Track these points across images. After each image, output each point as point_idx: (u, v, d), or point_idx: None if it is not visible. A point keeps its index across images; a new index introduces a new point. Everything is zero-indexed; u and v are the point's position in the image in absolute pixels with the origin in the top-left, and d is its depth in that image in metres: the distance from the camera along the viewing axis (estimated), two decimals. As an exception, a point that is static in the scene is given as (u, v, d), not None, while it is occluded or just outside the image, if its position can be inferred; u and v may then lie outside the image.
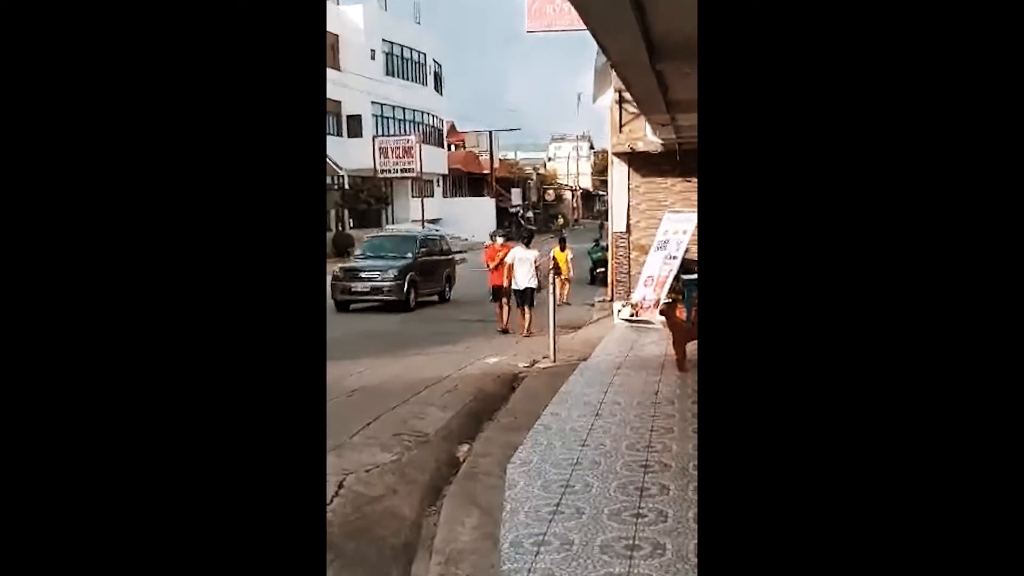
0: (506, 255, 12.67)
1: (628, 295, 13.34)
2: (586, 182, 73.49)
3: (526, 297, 12.13)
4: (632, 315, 12.37)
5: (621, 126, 13.48)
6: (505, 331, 12.28)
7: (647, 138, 13.09)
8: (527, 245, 13.21)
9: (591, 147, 75.27)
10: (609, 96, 13.53)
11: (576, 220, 64.87)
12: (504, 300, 12.59)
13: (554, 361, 9.16)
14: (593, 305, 15.46)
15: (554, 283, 10.26)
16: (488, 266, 13.50)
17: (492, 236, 14.43)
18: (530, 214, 55.09)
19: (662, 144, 12.97)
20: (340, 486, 4.83)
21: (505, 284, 12.31)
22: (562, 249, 16.81)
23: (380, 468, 5.30)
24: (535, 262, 12.28)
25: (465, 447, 5.83)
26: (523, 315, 12.11)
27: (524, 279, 12.10)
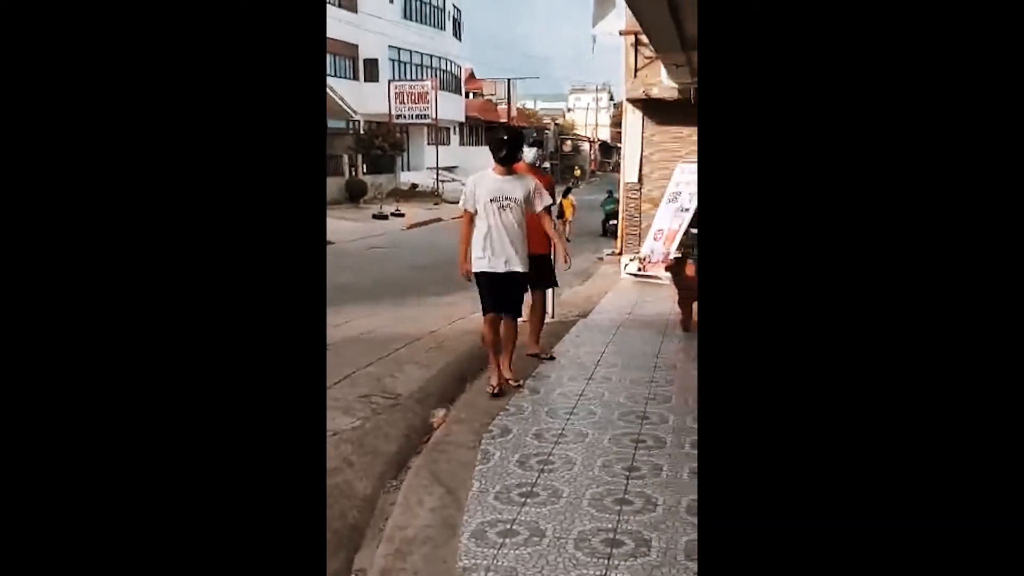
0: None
1: (638, 249, 12.62)
2: (604, 134, 71.74)
3: (511, 294, 5.44)
4: (639, 269, 11.64)
5: (636, 71, 12.69)
6: (499, 391, 5.40)
7: (663, 83, 12.28)
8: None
9: (611, 98, 73.98)
10: (612, 21, 12.68)
11: (593, 172, 63.27)
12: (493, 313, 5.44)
13: (552, 316, 7.88)
14: (602, 259, 14.78)
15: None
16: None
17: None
18: (547, 164, 52.66)
19: (678, 90, 12.13)
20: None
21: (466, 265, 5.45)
22: (565, 196, 19.25)
23: (338, 436, 4.71)
24: (533, 203, 5.42)
25: (441, 411, 5.25)
26: (501, 336, 5.50)
27: (505, 251, 5.31)
